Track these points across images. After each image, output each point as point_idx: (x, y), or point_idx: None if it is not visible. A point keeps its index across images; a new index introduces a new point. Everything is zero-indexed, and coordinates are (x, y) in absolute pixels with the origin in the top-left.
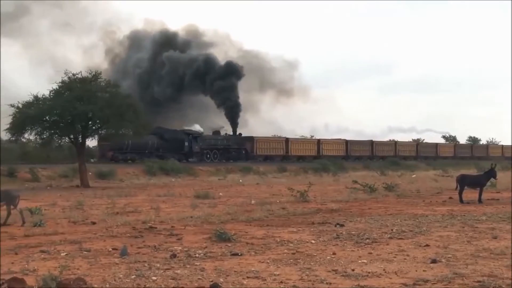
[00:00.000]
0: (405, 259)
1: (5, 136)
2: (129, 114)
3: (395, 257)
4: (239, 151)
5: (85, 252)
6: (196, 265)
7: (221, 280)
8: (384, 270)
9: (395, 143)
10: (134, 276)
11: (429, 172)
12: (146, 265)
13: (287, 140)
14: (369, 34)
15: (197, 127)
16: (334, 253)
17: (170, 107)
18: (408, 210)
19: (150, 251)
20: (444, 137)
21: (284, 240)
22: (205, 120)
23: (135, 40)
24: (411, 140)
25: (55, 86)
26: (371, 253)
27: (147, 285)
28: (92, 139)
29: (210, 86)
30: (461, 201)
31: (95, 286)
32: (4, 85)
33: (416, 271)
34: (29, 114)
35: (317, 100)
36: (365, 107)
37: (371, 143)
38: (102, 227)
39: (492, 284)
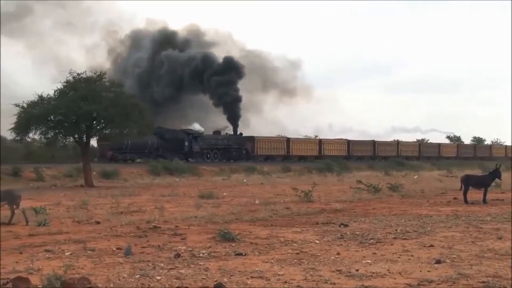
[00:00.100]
0: (409, 259)
1: (10, 135)
2: (134, 114)
3: (399, 257)
4: (239, 151)
5: (90, 252)
6: (200, 265)
7: (225, 280)
8: (388, 270)
9: (397, 143)
10: (138, 275)
11: (434, 172)
12: (150, 264)
13: (288, 140)
14: (373, 33)
15: (196, 126)
16: (338, 253)
17: (170, 107)
18: (412, 211)
19: (154, 251)
20: (448, 137)
21: (288, 240)
22: (206, 120)
23: (135, 39)
24: (415, 140)
25: (59, 86)
26: (375, 253)
27: (151, 285)
28: (92, 139)
29: (208, 84)
30: (466, 201)
31: (100, 285)
32: (7, 85)
33: (421, 271)
34: (33, 114)
35: (320, 100)
36: (369, 107)
37: (373, 143)
38: (107, 227)
39: (496, 285)
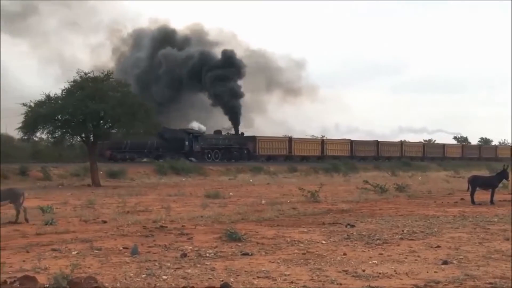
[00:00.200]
0: (416, 260)
1: (18, 134)
2: (140, 114)
3: (406, 258)
4: (241, 151)
5: (96, 251)
6: (206, 264)
7: (232, 279)
8: (395, 271)
9: (401, 144)
10: (145, 275)
11: (440, 173)
12: (156, 264)
13: (290, 139)
14: (380, 34)
15: (195, 125)
16: (344, 254)
17: (170, 107)
18: (419, 211)
19: (161, 250)
20: (455, 138)
21: (295, 240)
22: (209, 119)
23: (137, 39)
24: (422, 140)
25: (66, 85)
26: (381, 253)
27: (158, 284)
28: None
29: (205, 81)
30: (473, 202)
31: (106, 284)
32: (13, 85)
33: (427, 272)
34: (41, 113)
35: (325, 99)
36: (376, 108)
37: (377, 143)
38: (113, 226)
39: (504, 286)
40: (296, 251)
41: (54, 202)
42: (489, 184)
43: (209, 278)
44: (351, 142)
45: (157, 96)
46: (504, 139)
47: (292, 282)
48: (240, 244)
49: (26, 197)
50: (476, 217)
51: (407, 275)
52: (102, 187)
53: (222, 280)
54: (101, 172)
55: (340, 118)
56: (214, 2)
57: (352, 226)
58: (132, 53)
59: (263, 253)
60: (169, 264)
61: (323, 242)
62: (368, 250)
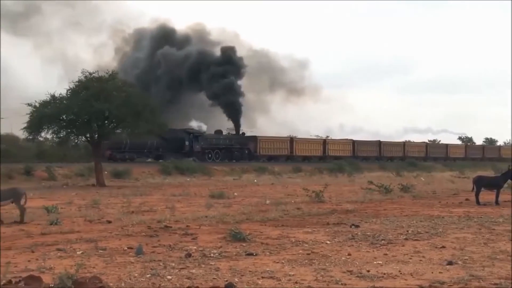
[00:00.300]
0: (421, 260)
1: (23, 135)
2: (145, 114)
3: (410, 258)
4: (241, 151)
5: (101, 251)
6: (211, 264)
7: (236, 280)
8: (399, 271)
9: (403, 144)
10: (149, 275)
11: (445, 173)
12: (161, 264)
13: (291, 139)
14: (383, 34)
15: (194, 125)
16: (349, 254)
17: (170, 107)
18: (424, 211)
19: (165, 251)
20: (460, 138)
21: (299, 241)
22: (211, 119)
23: (138, 39)
24: (427, 141)
25: (70, 85)
26: (386, 254)
27: (162, 284)
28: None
29: (204, 80)
30: (478, 202)
31: (111, 284)
32: (16, 84)
33: (432, 273)
34: (46, 113)
35: (328, 100)
36: (380, 108)
37: (379, 143)
38: (118, 226)
39: (509, 286)
40: (300, 251)
41: (59, 202)
42: (494, 184)
43: (214, 278)
44: (353, 142)
45: (157, 97)
46: (509, 139)
47: (296, 283)
48: (244, 244)
49: (31, 197)
50: (481, 217)
51: (411, 275)
52: (107, 187)
53: (227, 280)
54: (106, 172)
55: (345, 118)
56: (216, 2)
57: (357, 226)
58: (133, 53)
59: (268, 253)
60: (173, 264)
61: (328, 242)
62: (373, 251)
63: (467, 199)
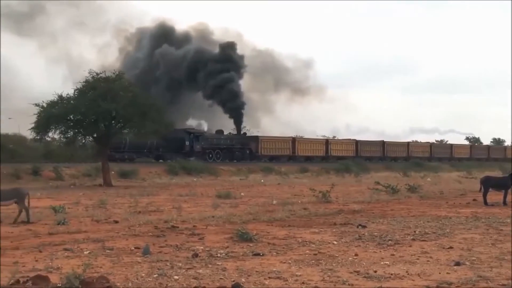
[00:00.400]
0: (428, 261)
1: (30, 135)
2: (151, 113)
3: (418, 259)
4: (243, 151)
5: (108, 251)
6: (218, 264)
7: (243, 280)
8: (407, 272)
9: (407, 144)
10: (156, 275)
11: (452, 173)
12: (168, 264)
13: (293, 139)
14: (387, 33)
15: (192, 123)
16: (356, 254)
17: (170, 108)
18: (431, 212)
19: (172, 251)
20: (467, 138)
21: (306, 241)
22: (211, 119)
23: (139, 38)
24: (434, 141)
25: (76, 85)
26: (393, 254)
27: (169, 284)
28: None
29: (201, 78)
30: (486, 203)
31: (118, 284)
32: (21, 84)
33: (440, 273)
34: (53, 113)
35: (333, 99)
36: (386, 108)
37: (382, 143)
38: (125, 226)
39: None
40: (307, 251)
41: (66, 202)
42: (502, 184)
43: (221, 278)
44: (356, 142)
45: (157, 98)
46: None
47: (303, 283)
48: (251, 245)
49: (38, 197)
50: (489, 218)
51: (419, 276)
52: (114, 187)
53: (234, 281)
54: (113, 172)
55: (350, 118)
56: (220, 2)
57: (364, 226)
58: (134, 53)
59: (275, 253)
60: (180, 264)
61: (335, 242)
62: (380, 251)
63: (474, 200)
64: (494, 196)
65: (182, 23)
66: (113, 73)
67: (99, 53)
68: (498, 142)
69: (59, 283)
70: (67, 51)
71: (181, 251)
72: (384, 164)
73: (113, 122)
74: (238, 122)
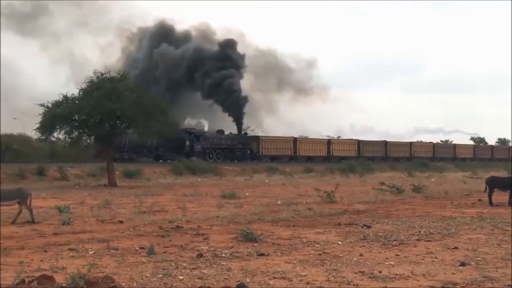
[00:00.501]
0: (433, 261)
1: (35, 135)
2: (156, 113)
3: (423, 259)
4: (244, 151)
5: (113, 251)
6: (222, 265)
7: (248, 280)
8: (411, 272)
9: (410, 144)
10: (161, 275)
11: (457, 173)
12: (173, 264)
13: (295, 139)
14: (393, 33)
15: (191, 122)
16: (361, 255)
17: (171, 107)
18: (436, 212)
19: (177, 251)
20: (472, 138)
21: (311, 241)
22: (213, 120)
23: (140, 38)
24: (439, 141)
25: (79, 86)
26: (398, 255)
27: (174, 284)
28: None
29: (199, 77)
30: (491, 203)
31: (123, 284)
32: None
33: (445, 274)
34: (58, 113)
35: (336, 99)
36: (389, 108)
37: (385, 143)
38: (130, 226)
39: None
40: (312, 251)
41: (71, 202)
42: (508, 185)
43: (225, 279)
44: (359, 142)
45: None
46: None
47: (308, 283)
48: (256, 245)
49: (43, 197)
50: (494, 218)
51: (424, 276)
52: (119, 187)
53: (238, 281)
54: (118, 172)
55: (354, 118)
56: (222, 3)
57: (369, 227)
58: (135, 53)
59: (279, 253)
60: (185, 264)
61: (339, 242)
62: (385, 251)
63: (480, 200)
64: (500, 196)
65: (184, 23)
66: (118, 73)
67: (102, 53)
68: (503, 142)
69: (64, 283)
70: (70, 51)
71: (185, 251)
72: (389, 164)
73: (117, 122)
74: (238, 121)
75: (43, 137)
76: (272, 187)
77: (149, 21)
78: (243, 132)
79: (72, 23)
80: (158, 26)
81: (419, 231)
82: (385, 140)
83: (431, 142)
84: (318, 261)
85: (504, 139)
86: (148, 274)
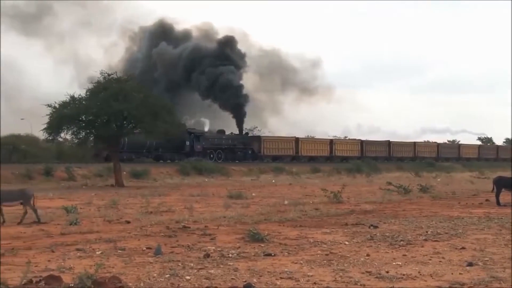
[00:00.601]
0: (440, 261)
1: (43, 135)
2: (162, 114)
3: (430, 259)
4: (245, 151)
5: (120, 251)
6: (229, 265)
7: (255, 280)
8: (419, 272)
9: (414, 144)
10: (168, 275)
11: (465, 173)
12: (180, 264)
13: (297, 140)
14: (402, 33)
15: (189, 121)
16: (368, 255)
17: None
18: (443, 212)
19: (184, 251)
20: (479, 138)
21: (318, 241)
22: (214, 120)
23: (142, 37)
24: (446, 141)
25: (85, 86)
26: (405, 255)
27: (181, 285)
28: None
29: (195, 76)
30: (498, 203)
31: (130, 284)
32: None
33: (452, 274)
34: (65, 114)
35: (341, 99)
36: (397, 108)
37: (388, 143)
38: (137, 226)
39: None
40: (319, 251)
41: (78, 202)
42: None
43: (232, 279)
44: (361, 142)
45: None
46: None
47: (315, 283)
48: (263, 245)
49: (50, 197)
50: (501, 218)
51: (431, 276)
52: (126, 187)
53: (245, 281)
54: (125, 173)
55: (360, 119)
56: (226, 2)
57: (376, 227)
58: (136, 53)
59: (286, 253)
60: (192, 265)
61: (346, 243)
62: (392, 251)
63: (487, 200)
64: (507, 196)
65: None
66: (126, 75)
67: (106, 53)
68: (511, 142)
69: (71, 283)
70: (74, 51)
71: (192, 251)
72: (395, 164)
73: (125, 122)
74: (239, 121)
75: (51, 138)
76: (279, 187)
77: (151, 21)
78: (244, 132)
79: (77, 23)
80: (158, 25)
81: (426, 231)
82: (389, 140)
83: (435, 142)
84: (325, 261)
85: None
86: (155, 274)
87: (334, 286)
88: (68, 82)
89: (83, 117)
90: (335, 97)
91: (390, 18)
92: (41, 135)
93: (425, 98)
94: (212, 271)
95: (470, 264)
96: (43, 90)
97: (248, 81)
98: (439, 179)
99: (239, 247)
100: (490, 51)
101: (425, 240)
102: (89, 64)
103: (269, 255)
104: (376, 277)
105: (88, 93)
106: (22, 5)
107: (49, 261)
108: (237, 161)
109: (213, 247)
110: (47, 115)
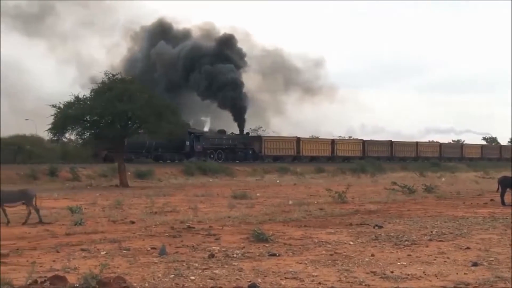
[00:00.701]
0: (445, 261)
1: (47, 136)
2: (167, 114)
3: (435, 259)
4: (245, 151)
5: (125, 251)
6: (234, 265)
7: (259, 280)
8: (423, 272)
9: (416, 144)
10: (173, 275)
11: (469, 173)
12: (184, 264)
13: (298, 139)
14: (405, 33)
15: (189, 122)
16: (372, 255)
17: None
18: (448, 212)
19: (189, 251)
20: (484, 138)
21: (322, 241)
22: (215, 120)
23: (143, 37)
24: (451, 141)
25: (88, 86)
26: (410, 255)
27: (186, 285)
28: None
29: (193, 76)
30: (503, 203)
31: (135, 284)
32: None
33: (457, 274)
34: (70, 114)
35: (344, 99)
36: (401, 108)
37: (390, 143)
38: (141, 227)
39: None
40: (323, 252)
41: (83, 203)
42: None
43: (237, 279)
44: (363, 142)
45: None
46: None
47: (319, 283)
48: (267, 245)
49: (55, 197)
50: (506, 218)
51: (436, 276)
52: (130, 187)
53: (250, 281)
54: (129, 173)
55: (364, 119)
56: (228, 2)
57: (380, 227)
58: (136, 54)
59: (291, 253)
60: (197, 265)
61: (351, 243)
62: (397, 251)
63: (492, 200)
64: None
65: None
66: (125, 75)
67: (108, 53)
68: None
69: (76, 283)
70: (77, 51)
71: (197, 251)
72: (398, 164)
73: (129, 123)
74: (239, 120)
75: (55, 138)
76: (283, 188)
77: (152, 20)
78: (246, 132)
79: (79, 24)
80: (157, 25)
81: (431, 231)
82: (391, 140)
83: (438, 142)
84: (329, 261)
85: None
86: (159, 275)
87: (339, 286)
88: (71, 82)
89: (88, 117)
90: (338, 97)
91: (391, 18)
92: (46, 135)
93: (428, 98)
94: (216, 271)
95: (475, 264)
96: (46, 90)
97: (251, 81)
98: (443, 179)
99: (244, 247)
100: (490, 51)
101: (430, 240)
102: (91, 64)
103: (274, 255)
104: (381, 277)
105: (92, 94)
106: (24, 5)
107: (54, 261)
108: (237, 161)
109: (218, 247)
110: (51, 115)
